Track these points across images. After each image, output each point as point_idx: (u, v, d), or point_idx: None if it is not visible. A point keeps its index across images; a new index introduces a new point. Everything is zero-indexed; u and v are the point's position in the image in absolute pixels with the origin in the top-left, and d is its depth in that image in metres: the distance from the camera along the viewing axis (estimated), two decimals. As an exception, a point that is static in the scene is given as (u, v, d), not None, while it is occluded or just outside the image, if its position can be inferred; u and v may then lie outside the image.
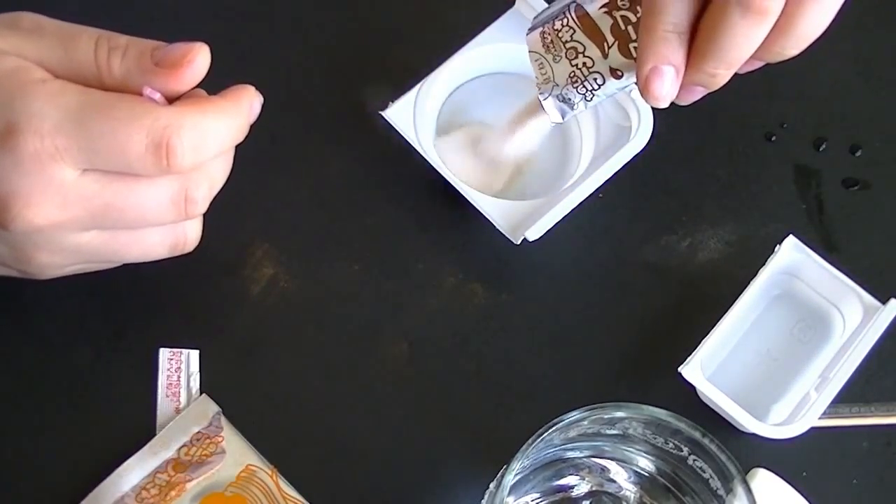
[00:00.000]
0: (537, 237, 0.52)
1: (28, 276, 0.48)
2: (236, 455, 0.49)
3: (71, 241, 0.45)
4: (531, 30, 0.47)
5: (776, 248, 0.53)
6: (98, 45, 0.45)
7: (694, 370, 0.50)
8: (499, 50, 0.56)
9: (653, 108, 0.54)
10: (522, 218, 0.53)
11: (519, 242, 0.53)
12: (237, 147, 0.47)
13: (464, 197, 0.53)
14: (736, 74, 0.43)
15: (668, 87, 0.43)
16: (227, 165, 0.47)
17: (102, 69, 0.45)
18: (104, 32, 0.45)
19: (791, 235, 0.54)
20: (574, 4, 0.45)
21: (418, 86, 0.55)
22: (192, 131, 0.43)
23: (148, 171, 0.43)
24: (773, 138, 0.59)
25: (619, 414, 0.44)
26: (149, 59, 0.44)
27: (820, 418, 0.50)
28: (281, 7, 0.59)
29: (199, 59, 0.44)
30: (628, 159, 0.54)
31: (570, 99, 0.46)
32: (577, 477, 0.48)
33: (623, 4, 0.44)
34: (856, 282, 0.53)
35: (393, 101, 0.55)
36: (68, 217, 0.43)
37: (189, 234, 0.48)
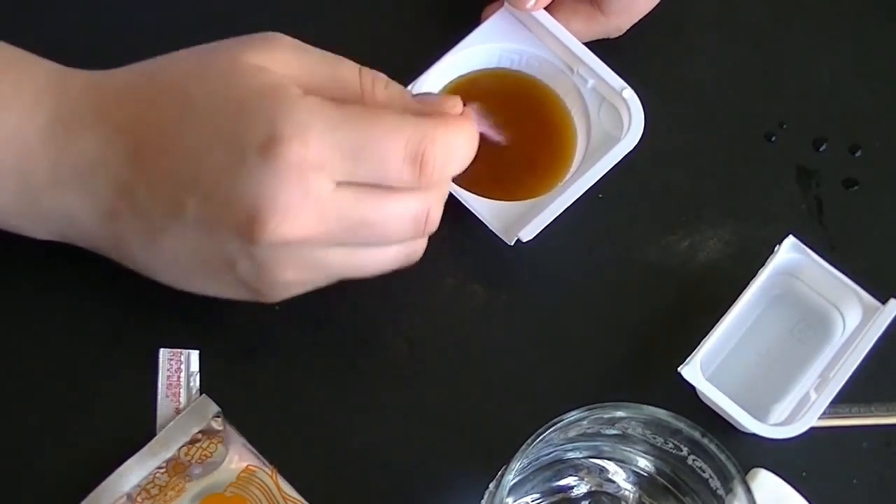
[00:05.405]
0: (531, 237, 0.52)
1: (258, 298, 0.48)
2: (236, 455, 0.49)
3: (316, 256, 0.45)
4: None
5: (776, 249, 0.53)
6: (362, 72, 0.46)
7: (694, 370, 0.50)
8: (489, 49, 0.56)
9: (644, 107, 0.54)
10: (515, 218, 0.53)
11: (513, 243, 0.53)
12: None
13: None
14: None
15: None
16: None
17: (366, 91, 0.46)
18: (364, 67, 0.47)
19: (791, 235, 0.54)
20: None
21: (409, 87, 0.55)
22: (444, 146, 0.44)
23: (402, 181, 0.44)
24: (773, 138, 0.59)
25: (619, 414, 0.44)
26: (410, 95, 0.47)
27: (820, 418, 0.50)
28: (273, 4, 0.59)
29: (461, 112, 0.47)
30: (620, 157, 0.54)
31: None
32: (576, 477, 0.48)
33: None
34: (856, 282, 0.53)
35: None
36: (322, 231, 0.44)
37: (420, 248, 0.49)
